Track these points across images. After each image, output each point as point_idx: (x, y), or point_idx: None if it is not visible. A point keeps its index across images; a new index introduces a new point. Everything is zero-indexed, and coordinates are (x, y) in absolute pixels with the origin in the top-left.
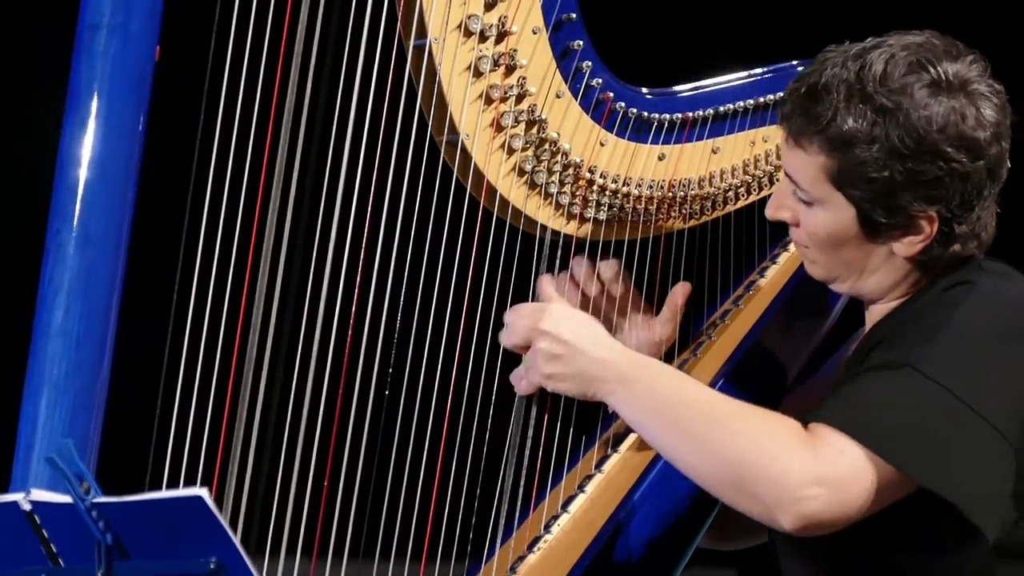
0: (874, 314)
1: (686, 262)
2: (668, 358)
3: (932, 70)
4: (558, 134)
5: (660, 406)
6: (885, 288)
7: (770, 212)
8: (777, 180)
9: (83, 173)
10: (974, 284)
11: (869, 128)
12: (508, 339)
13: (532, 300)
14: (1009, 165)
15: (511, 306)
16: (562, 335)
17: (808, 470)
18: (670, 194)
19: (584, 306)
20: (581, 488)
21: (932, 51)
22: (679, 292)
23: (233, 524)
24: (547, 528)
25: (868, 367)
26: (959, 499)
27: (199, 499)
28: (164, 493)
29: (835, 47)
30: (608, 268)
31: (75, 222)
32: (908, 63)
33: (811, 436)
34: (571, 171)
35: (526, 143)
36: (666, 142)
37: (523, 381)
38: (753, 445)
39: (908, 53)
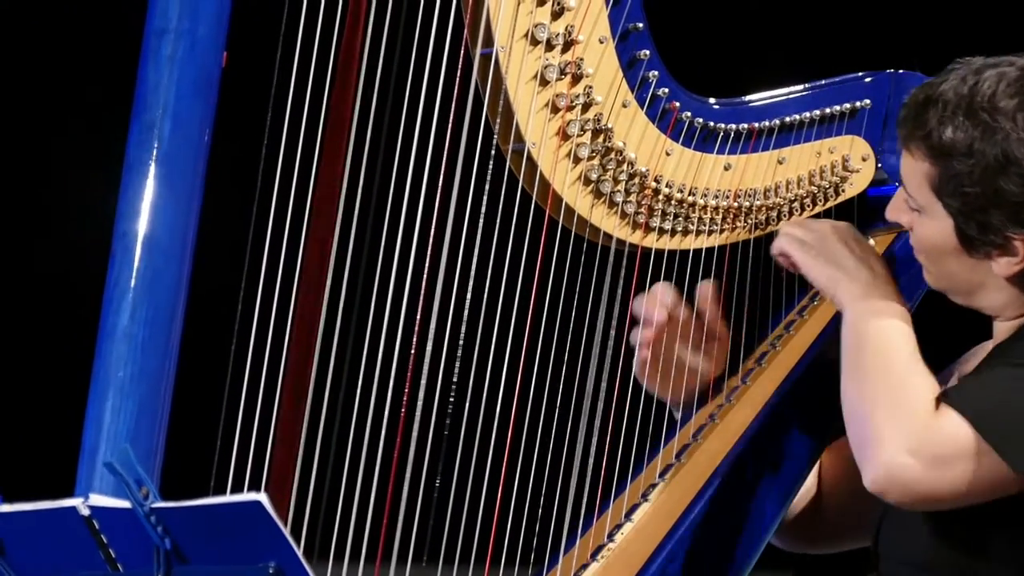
0: (999, 331)
1: (751, 272)
2: (732, 368)
3: None
4: (624, 143)
5: (858, 342)
6: (1000, 305)
7: (889, 214)
8: (842, 191)
9: (150, 177)
10: None
11: (968, 142)
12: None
13: (598, 311)
14: None
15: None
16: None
17: (911, 439)
18: (735, 204)
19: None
20: (645, 497)
21: None
22: (708, 293)
23: (297, 528)
24: (611, 537)
25: (1002, 362)
26: None
27: (258, 504)
28: (223, 498)
29: (966, 60)
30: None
31: (141, 225)
32: (1019, 86)
33: (931, 413)
34: (636, 180)
35: (592, 152)
36: (732, 152)
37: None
38: (882, 399)
39: (1021, 75)
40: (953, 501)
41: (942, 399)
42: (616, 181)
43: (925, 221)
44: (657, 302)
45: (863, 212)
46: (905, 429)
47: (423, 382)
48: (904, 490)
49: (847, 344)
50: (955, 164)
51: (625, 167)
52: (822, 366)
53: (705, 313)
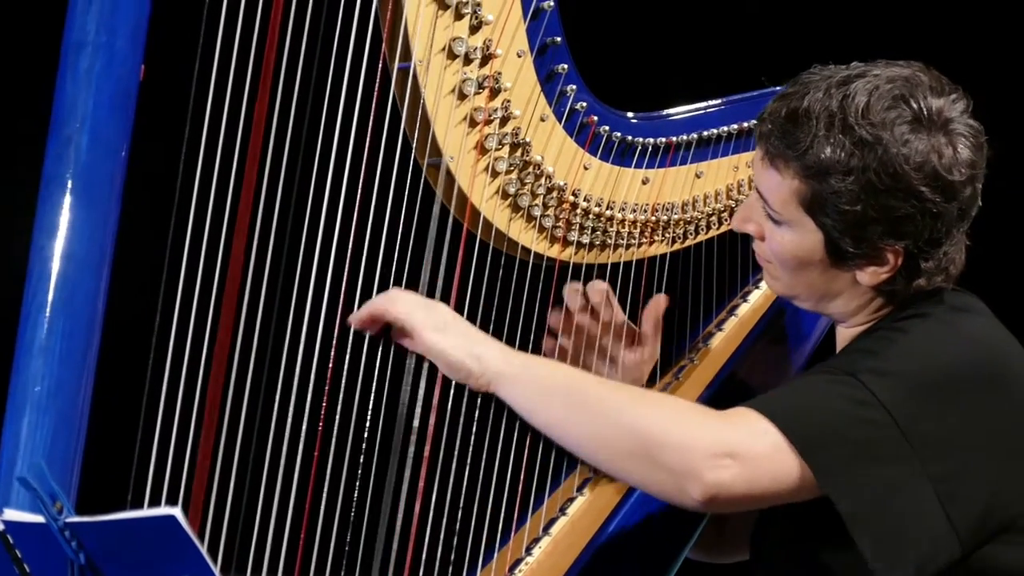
0: (842, 337)
1: (669, 286)
2: (650, 381)
3: (915, 105)
4: (542, 157)
5: (557, 387)
6: (849, 312)
7: (736, 224)
8: None
9: (68, 191)
10: (927, 316)
11: (847, 159)
12: (382, 307)
13: (516, 325)
14: (980, 204)
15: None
16: (447, 314)
17: (721, 439)
18: (653, 218)
19: (574, 331)
20: (563, 511)
21: (917, 85)
22: (658, 305)
23: (213, 543)
24: (528, 551)
25: (815, 371)
26: (850, 515)
27: (172, 519)
28: (137, 513)
29: (818, 69)
30: (596, 292)
31: (59, 240)
32: (892, 96)
33: (728, 413)
34: (554, 194)
35: (510, 166)
36: (650, 166)
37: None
38: (662, 415)
39: (893, 86)
40: (772, 499)
41: (749, 404)
42: (534, 195)
43: (786, 233)
44: (563, 312)
45: None
46: (708, 434)
47: (340, 395)
48: (728, 492)
49: (556, 402)
50: (832, 182)
51: (543, 181)
52: (739, 379)
53: (643, 322)
